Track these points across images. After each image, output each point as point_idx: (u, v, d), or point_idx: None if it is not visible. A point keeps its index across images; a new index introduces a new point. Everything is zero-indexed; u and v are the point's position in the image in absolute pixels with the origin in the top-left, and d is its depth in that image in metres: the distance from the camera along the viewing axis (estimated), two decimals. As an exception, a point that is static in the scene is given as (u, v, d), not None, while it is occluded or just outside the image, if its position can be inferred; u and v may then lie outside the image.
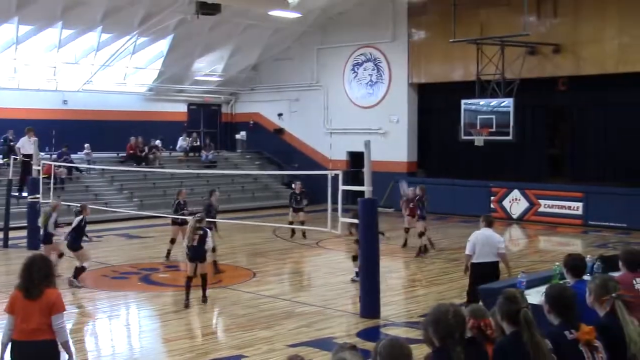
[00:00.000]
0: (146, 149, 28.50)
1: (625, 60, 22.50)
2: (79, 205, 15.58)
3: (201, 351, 10.24)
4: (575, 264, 6.67)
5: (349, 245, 18.74)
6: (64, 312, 6.67)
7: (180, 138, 30.88)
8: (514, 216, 24.79)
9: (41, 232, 15.27)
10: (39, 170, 19.11)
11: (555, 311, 4.78)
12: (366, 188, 12.00)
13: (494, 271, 10.82)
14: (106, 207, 23.39)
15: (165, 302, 13.33)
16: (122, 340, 11.42)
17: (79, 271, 14.25)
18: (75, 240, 14.47)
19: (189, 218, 14.49)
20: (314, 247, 19.80)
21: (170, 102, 31.65)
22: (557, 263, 8.91)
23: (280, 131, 32.16)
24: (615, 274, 6.48)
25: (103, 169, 26.54)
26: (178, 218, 17.27)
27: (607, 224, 22.43)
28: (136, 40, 26.98)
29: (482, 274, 10.70)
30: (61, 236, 15.02)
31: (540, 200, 24.33)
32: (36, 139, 20.52)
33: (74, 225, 14.43)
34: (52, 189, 19.33)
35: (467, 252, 11.15)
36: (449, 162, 27.45)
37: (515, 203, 24.89)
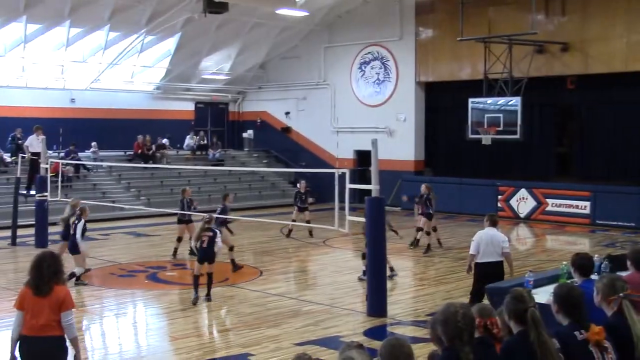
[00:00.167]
0: (154, 147, 28.56)
1: (633, 58, 22.41)
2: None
3: (208, 349, 10.26)
4: (582, 263, 6.66)
5: (356, 243, 18.77)
6: (73, 309, 6.76)
7: (188, 136, 30.93)
8: (522, 215, 24.73)
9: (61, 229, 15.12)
10: (47, 169, 19.16)
11: (564, 311, 4.76)
12: (373, 187, 11.99)
13: (498, 271, 10.79)
14: (114, 205, 23.48)
15: (173, 300, 13.36)
16: (129, 338, 11.44)
17: (71, 276, 14.00)
18: (76, 244, 14.37)
19: (197, 215, 14.48)
20: (321, 245, 19.81)
21: (178, 100, 31.69)
22: (564, 262, 8.89)
23: (287, 130, 32.17)
24: (623, 274, 6.46)
25: (110, 167, 26.61)
26: (185, 215, 17.29)
27: (615, 223, 22.37)
28: (144, 38, 27.01)
29: (487, 273, 10.68)
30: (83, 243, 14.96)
31: (547, 199, 24.27)
32: (44, 137, 20.57)
33: (79, 230, 14.23)
34: (59, 187, 19.38)
35: (471, 251, 11.13)
36: (456, 160, 27.41)
37: (523, 202, 24.83)
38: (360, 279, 14.27)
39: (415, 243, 18.28)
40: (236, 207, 24.80)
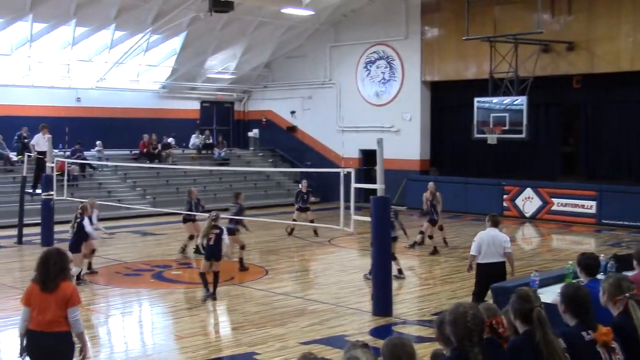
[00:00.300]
0: (159, 146, 28.59)
1: (640, 57, 22.39)
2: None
3: (214, 348, 10.28)
4: (588, 262, 6.65)
5: (361, 243, 18.77)
6: (80, 305, 6.85)
7: (193, 135, 30.96)
8: (527, 215, 24.69)
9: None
10: (52, 167, 19.21)
11: (571, 311, 4.74)
12: (379, 186, 11.98)
13: (500, 271, 10.75)
14: (119, 204, 23.52)
15: (178, 299, 13.38)
16: (135, 337, 11.48)
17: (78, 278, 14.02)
18: (77, 242, 14.39)
19: (206, 215, 14.49)
20: (326, 244, 19.81)
21: (183, 99, 31.73)
22: (570, 262, 8.88)
23: (292, 129, 32.17)
24: (629, 273, 6.45)
25: (116, 166, 26.66)
26: (192, 215, 17.30)
27: (620, 222, 22.30)
28: (149, 37, 27.06)
29: (489, 274, 10.65)
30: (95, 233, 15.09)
31: (553, 199, 24.22)
32: (50, 136, 20.61)
33: (87, 225, 14.28)
34: (65, 186, 19.43)
35: (472, 252, 11.11)
36: (462, 160, 27.38)
37: (528, 201, 24.80)
38: (366, 278, 14.24)
39: (414, 245, 18.15)
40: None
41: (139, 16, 25.57)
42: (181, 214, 18.17)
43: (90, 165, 26.61)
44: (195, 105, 32.52)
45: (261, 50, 30.73)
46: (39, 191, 20.35)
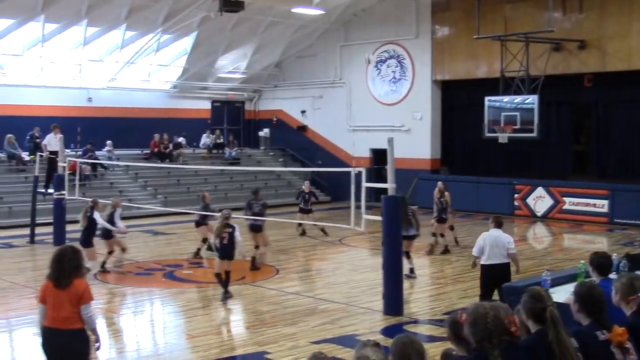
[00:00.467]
0: (171, 145, 28.66)
1: (651, 56, 22.28)
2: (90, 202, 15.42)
3: (225, 347, 10.30)
4: (601, 262, 6.62)
5: (372, 242, 18.75)
6: (92, 301, 6.93)
7: (204, 135, 31.02)
8: (539, 214, 24.62)
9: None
10: (64, 167, 19.29)
11: (585, 310, 4.72)
12: (389, 185, 11.97)
13: (504, 273, 10.69)
14: (131, 203, 23.57)
15: (190, 299, 13.41)
16: (146, 336, 11.51)
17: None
18: (88, 237, 14.47)
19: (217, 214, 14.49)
20: (337, 244, 19.82)
21: (194, 99, 31.79)
22: (582, 261, 8.85)
23: (303, 128, 32.19)
24: (642, 273, 6.41)
25: (127, 166, 26.74)
26: (205, 218, 17.24)
27: (633, 221, 22.18)
28: (160, 37, 27.13)
29: (493, 275, 10.62)
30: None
31: (565, 198, 24.14)
32: (62, 136, 20.69)
33: (99, 220, 14.40)
34: (77, 186, 19.50)
35: (473, 253, 11.11)
36: (473, 159, 27.33)
37: (540, 201, 24.71)
38: (408, 276, 14.19)
39: (430, 251, 18.04)
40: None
41: (150, 16, 25.65)
42: (192, 213, 18.17)
43: (101, 165, 26.72)
44: (206, 105, 32.58)
45: (272, 49, 30.76)
46: (51, 191, 20.43)
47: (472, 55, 26.07)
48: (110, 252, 15.41)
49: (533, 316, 4.46)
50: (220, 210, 13.81)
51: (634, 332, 4.68)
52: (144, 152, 28.76)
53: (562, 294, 7.21)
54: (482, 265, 10.93)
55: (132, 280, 15.00)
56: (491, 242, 10.79)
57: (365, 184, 12.55)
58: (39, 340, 7.05)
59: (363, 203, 12.58)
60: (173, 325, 12.11)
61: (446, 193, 18.11)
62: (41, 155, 21.81)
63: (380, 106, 29.20)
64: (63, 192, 18.85)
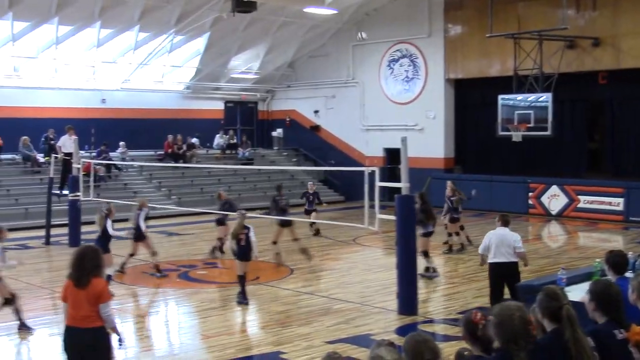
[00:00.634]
0: (184, 146, 28.74)
1: (666, 53, 22.13)
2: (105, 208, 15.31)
3: (240, 347, 10.31)
4: (617, 260, 6.59)
5: (386, 242, 18.74)
6: (110, 300, 7.02)
7: (217, 135, 31.08)
8: (553, 212, 24.51)
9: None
10: (79, 169, 19.38)
11: (601, 309, 4.69)
12: (403, 184, 11.94)
13: (511, 272, 10.59)
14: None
15: (204, 299, 13.43)
16: (161, 337, 11.55)
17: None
18: (105, 243, 14.45)
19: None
20: (351, 244, 19.81)
21: (207, 99, 31.87)
22: (597, 260, 8.81)
23: (316, 128, 32.20)
24: (658, 271, 6.38)
25: (141, 167, 26.84)
26: (225, 217, 17.26)
27: (649, 220, 22.09)
28: (173, 38, 27.22)
29: (501, 274, 10.55)
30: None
31: (579, 196, 24.03)
32: (76, 137, 20.80)
33: (111, 231, 14.32)
34: (91, 187, 19.59)
35: (479, 251, 11.10)
36: (486, 157, 27.25)
37: (554, 199, 24.61)
38: (422, 276, 14.19)
39: (450, 250, 18.01)
40: (267, 205, 24.91)
41: (163, 17, 25.73)
42: (213, 214, 18.20)
43: (115, 166, 26.83)
44: (219, 106, 32.65)
45: (284, 49, 30.79)
46: (65, 192, 20.53)
47: (485, 53, 25.99)
48: (132, 254, 15.37)
49: (549, 315, 4.44)
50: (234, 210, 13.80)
51: (650, 331, 4.65)
52: (158, 153, 28.85)
53: (578, 293, 7.17)
54: (489, 264, 10.89)
55: (147, 281, 15.02)
56: (497, 240, 10.73)
57: (378, 184, 12.55)
58: (60, 339, 7.12)
59: (377, 202, 12.58)
60: (188, 325, 12.15)
61: (456, 196, 18.01)
62: (56, 157, 21.93)
63: (393, 105, 29.16)
64: (78, 194, 18.94)
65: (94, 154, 25.63)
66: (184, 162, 27.84)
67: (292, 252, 17.23)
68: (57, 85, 27.03)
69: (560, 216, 24.30)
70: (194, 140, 29.76)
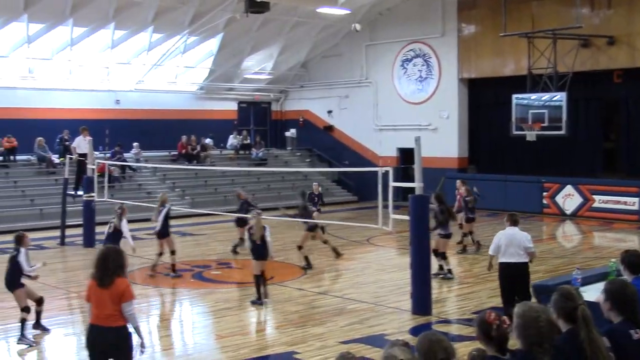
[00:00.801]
0: (198, 147, 28.81)
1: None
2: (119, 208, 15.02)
3: (254, 347, 10.32)
4: (632, 260, 6.53)
5: (400, 242, 18.71)
6: (133, 299, 7.12)
7: (231, 136, 31.15)
8: (568, 212, 24.40)
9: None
10: (93, 169, 19.47)
11: (617, 309, 4.66)
12: (417, 184, 11.92)
13: (520, 272, 10.46)
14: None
15: (218, 299, 13.46)
16: (175, 337, 11.58)
17: None
18: (116, 242, 14.46)
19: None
20: (365, 244, 19.80)
21: (221, 100, 31.94)
22: (613, 259, 8.76)
23: (329, 128, 32.20)
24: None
25: (155, 167, 26.93)
26: (244, 217, 17.26)
27: (664, 219, 21.94)
28: (186, 39, 27.31)
29: (510, 274, 10.44)
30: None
31: (594, 196, 23.89)
32: (91, 138, 20.88)
33: (125, 229, 14.37)
34: (106, 188, 19.68)
35: (490, 252, 10.97)
36: (500, 157, 27.15)
37: (569, 199, 24.49)
38: (436, 275, 14.17)
39: (464, 249, 17.95)
40: (280, 205, 24.91)
41: (176, 18, 25.82)
42: (233, 215, 18.26)
43: (130, 167, 26.94)
44: (233, 106, 32.72)
45: (297, 50, 30.82)
46: (80, 193, 20.61)
47: (499, 52, 25.91)
48: (160, 254, 15.42)
49: (564, 315, 4.42)
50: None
51: (666, 331, 4.62)
52: (172, 153, 28.95)
53: (593, 293, 7.13)
54: (499, 264, 10.80)
55: (161, 281, 15.06)
56: (507, 240, 10.60)
57: (392, 184, 12.52)
58: (75, 338, 7.18)
59: (390, 202, 12.56)
60: (202, 325, 12.19)
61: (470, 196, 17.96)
62: (71, 158, 22.01)
63: (406, 105, 29.12)
64: (92, 194, 19.04)
65: (108, 154, 25.72)
66: (198, 162, 27.91)
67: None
68: (71, 87, 27.18)
69: (574, 216, 24.18)
70: (208, 140, 29.84)
